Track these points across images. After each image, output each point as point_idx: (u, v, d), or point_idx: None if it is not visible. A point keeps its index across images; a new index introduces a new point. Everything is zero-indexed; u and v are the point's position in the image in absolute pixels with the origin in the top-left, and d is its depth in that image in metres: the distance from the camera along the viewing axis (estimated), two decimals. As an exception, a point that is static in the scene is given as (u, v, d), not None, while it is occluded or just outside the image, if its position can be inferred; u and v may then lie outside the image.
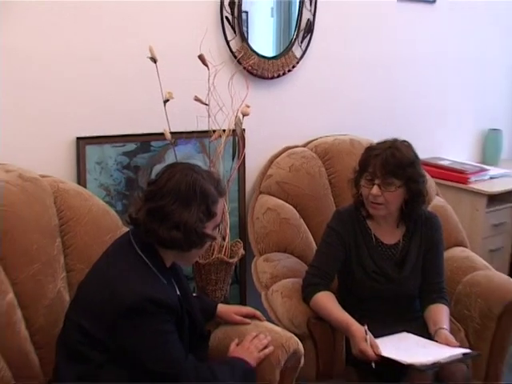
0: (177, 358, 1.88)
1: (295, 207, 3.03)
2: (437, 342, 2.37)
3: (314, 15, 3.18)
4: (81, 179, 2.60)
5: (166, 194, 1.90)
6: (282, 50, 3.14)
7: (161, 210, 1.88)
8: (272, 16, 3.17)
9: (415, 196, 2.49)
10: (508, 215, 3.77)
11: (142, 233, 1.92)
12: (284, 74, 3.14)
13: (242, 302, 3.12)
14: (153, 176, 2.75)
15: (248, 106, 2.66)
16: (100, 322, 1.84)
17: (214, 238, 2.08)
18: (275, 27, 3.21)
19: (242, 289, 3.16)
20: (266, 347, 2.13)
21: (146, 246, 1.93)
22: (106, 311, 1.83)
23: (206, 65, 2.59)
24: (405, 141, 2.49)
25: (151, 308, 1.82)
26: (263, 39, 3.12)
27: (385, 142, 2.46)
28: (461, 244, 3.15)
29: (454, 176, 3.70)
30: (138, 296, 1.81)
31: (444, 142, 4.06)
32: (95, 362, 1.87)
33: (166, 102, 2.45)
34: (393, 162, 2.40)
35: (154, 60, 2.40)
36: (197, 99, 2.59)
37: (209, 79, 2.62)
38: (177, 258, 2.01)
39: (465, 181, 3.70)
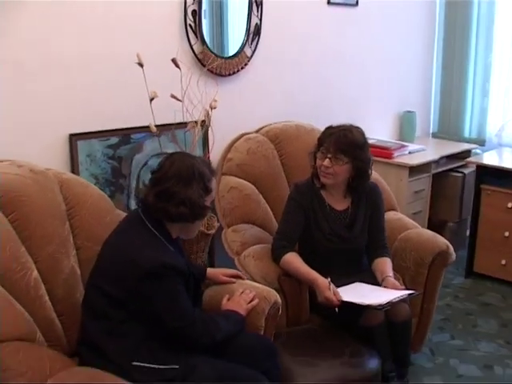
0: (187, 313, 2.10)
1: (254, 184, 3.24)
2: (385, 287, 2.68)
3: (261, 20, 3.41)
4: (74, 170, 2.76)
5: (169, 177, 2.10)
6: (236, 50, 3.37)
7: (167, 191, 2.09)
8: (205, 18, 3.27)
9: (360, 173, 2.76)
10: (426, 183, 4.13)
11: (151, 212, 2.12)
12: (238, 71, 3.36)
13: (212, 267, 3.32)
14: (133, 165, 2.99)
15: (215, 101, 2.87)
16: (121, 286, 2.04)
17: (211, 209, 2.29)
18: (208, 27, 3.33)
19: (212, 256, 3.37)
20: (252, 300, 2.37)
21: (155, 222, 2.13)
22: (127, 276, 2.02)
23: (178, 67, 2.78)
24: (358, 127, 2.76)
25: (165, 272, 2.03)
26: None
27: (342, 125, 2.72)
28: (393, 209, 3.43)
29: (380, 152, 3.96)
30: (155, 262, 2.01)
31: (368, 124, 4.31)
32: (117, 319, 2.07)
33: (151, 100, 2.62)
34: (344, 141, 2.67)
35: (141, 65, 2.57)
36: (172, 96, 2.78)
37: (181, 79, 2.81)
38: (182, 230, 2.21)
39: (389, 156, 4.01)
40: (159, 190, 2.10)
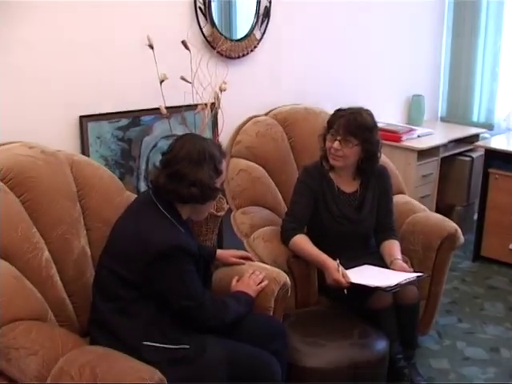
0: (197, 294, 2.11)
1: (263, 167, 3.22)
2: (394, 269, 2.67)
3: (270, 2, 3.38)
4: (85, 151, 2.75)
5: (180, 159, 2.10)
6: (246, 33, 3.34)
7: (178, 173, 2.08)
8: (214, 0, 3.21)
9: (369, 156, 2.75)
10: (434, 167, 4.10)
11: (162, 193, 2.12)
12: (247, 53, 3.33)
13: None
14: (143, 147, 2.98)
15: (225, 83, 2.85)
16: (132, 267, 2.05)
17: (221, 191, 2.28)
18: (217, 10, 3.28)
19: (220, 238, 3.37)
20: (261, 281, 2.37)
21: (166, 204, 2.13)
22: (138, 258, 2.03)
23: (188, 49, 2.76)
24: (368, 110, 2.74)
25: (176, 253, 2.03)
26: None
27: (351, 108, 2.71)
28: (401, 192, 3.41)
29: (388, 136, 3.93)
30: (165, 244, 2.02)
31: (377, 107, 4.26)
32: (128, 299, 2.08)
33: (161, 82, 2.61)
34: (354, 124, 2.65)
35: (151, 47, 2.56)
36: (182, 78, 2.76)
37: (191, 61, 2.79)
38: (192, 212, 2.21)
39: (398, 139, 3.98)
40: (170, 171, 2.10)
